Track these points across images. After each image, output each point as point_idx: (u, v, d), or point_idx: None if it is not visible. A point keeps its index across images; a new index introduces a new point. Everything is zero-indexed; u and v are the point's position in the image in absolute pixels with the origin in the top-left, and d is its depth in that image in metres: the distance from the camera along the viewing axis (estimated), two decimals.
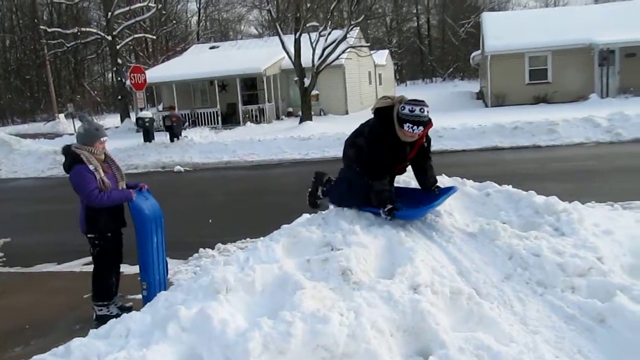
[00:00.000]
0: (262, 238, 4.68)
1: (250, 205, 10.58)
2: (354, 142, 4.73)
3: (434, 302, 3.46)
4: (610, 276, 3.86)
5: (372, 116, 4.61)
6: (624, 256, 4.19)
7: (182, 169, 16.38)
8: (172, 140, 19.49)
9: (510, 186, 5.21)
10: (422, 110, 4.25)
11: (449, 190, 4.67)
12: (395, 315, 3.35)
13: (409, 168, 4.84)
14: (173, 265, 6.51)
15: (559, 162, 12.08)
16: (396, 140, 4.39)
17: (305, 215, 5.35)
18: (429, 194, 4.68)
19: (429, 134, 4.69)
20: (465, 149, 14.99)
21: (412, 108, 4.25)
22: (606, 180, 9.48)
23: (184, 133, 20.17)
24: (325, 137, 17.13)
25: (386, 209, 4.35)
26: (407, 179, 5.26)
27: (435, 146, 15.40)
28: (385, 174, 4.52)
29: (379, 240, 4.21)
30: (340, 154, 15.92)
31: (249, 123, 26.05)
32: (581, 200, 5.50)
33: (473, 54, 35.40)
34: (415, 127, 4.24)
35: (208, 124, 27.09)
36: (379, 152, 4.43)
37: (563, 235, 4.38)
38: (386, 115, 4.40)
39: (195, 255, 7.06)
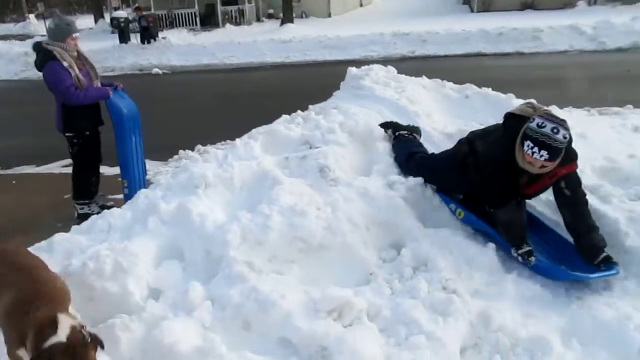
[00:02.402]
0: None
1: (230, 108, 10.47)
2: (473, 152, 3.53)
3: (408, 198, 3.55)
4: (581, 177, 3.96)
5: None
6: (595, 159, 4.28)
7: (160, 71, 16.01)
8: (144, 42, 18.92)
9: (490, 89, 5.22)
10: (555, 131, 2.98)
11: (609, 270, 3.11)
12: (371, 209, 3.45)
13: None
14: (153, 166, 6.53)
15: (542, 69, 12.02)
16: (513, 164, 3.19)
17: (285, 116, 5.33)
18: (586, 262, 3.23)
19: (575, 178, 3.33)
20: (448, 55, 14.82)
21: (543, 122, 3.02)
22: (586, 88, 9.50)
23: (160, 35, 19.59)
24: (306, 40, 16.76)
25: (521, 252, 3.19)
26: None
27: (417, 51, 15.45)
28: (508, 198, 3.29)
29: (357, 139, 4.24)
30: (321, 57, 15.53)
31: (228, 25, 25.25)
32: (560, 106, 5.53)
33: None
34: (536, 149, 3.00)
35: (186, 25, 26.18)
36: (489, 177, 3.32)
37: None
38: (515, 127, 3.19)
39: (175, 157, 7.06)
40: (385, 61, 9.30)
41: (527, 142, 3.04)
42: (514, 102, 4.92)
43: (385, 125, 4.35)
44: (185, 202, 3.43)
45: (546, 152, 3.00)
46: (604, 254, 3.13)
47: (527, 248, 3.20)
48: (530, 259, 3.15)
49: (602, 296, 3.05)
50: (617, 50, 13.79)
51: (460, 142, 3.67)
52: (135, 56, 17.83)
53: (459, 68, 12.56)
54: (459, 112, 4.90)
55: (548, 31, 15.01)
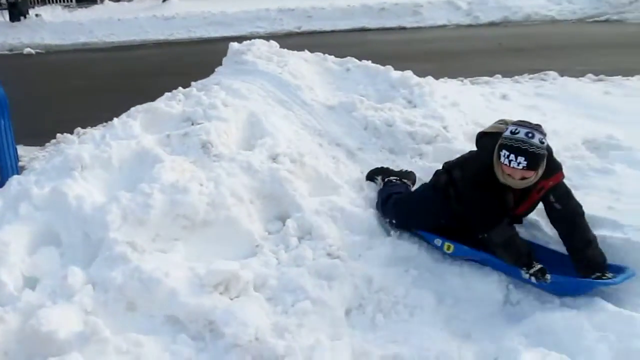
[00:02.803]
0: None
1: (111, 88, 9.99)
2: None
3: (292, 170, 3.62)
4: (453, 142, 4.23)
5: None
6: (466, 125, 4.57)
7: (32, 51, 14.90)
8: (13, 19, 17.55)
9: (370, 62, 5.38)
10: (529, 135, 2.80)
11: (628, 273, 2.89)
12: (255, 183, 3.49)
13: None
14: (28, 152, 6.15)
15: (422, 43, 12.49)
16: (495, 183, 2.96)
17: (167, 94, 5.20)
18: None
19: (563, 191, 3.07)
20: (334, 30, 15.00)
21: (516, 129, 2.85)
22: (462, 60, 10.03)
23: (32, 11, 18.23)
24: (190, 16, 16.24)
25: (533, 271, 2.88)
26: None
27: (304, 27, 15.52)
28: (498, 219, 3.02)
29: (240, 114, 4.23)
30: (206, 34, 15.09)
31: (106, 1, 23.92)
32: (436, 77, 5.81)
33: None
34: (513, 156, 2.78)
35: (59, 1, 24.53)
36: (473, 201, 3.07)
37: (415, 107, 4.67)
38: (490, 145, 3.02)
39: (53, 141, 6.66)
40: (271, 37, 9.25)
41: (503, 152, 2.83)
42: (392, 74, 5.12)
43: (374, 172, 3.86)
44: (60, 186, 3.28)
45: (523, 159, 2.77)
46: (597, 274, 2.87)
47: (539, 266, 2.89)
48: (545, 277, 2.86)
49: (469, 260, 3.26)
50: (490, 24, 14.61)
51: (437, 173, 3.42)
52: (3, 35, 16.45)
53: (344, 43, 12.75)
54: (341, 84, 5.03)
55: (427, 6, 15.57)
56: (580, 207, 3.04)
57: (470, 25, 14.65)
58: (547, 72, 6.72)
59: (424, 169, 3.99)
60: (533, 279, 2.90)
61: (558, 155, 4.00)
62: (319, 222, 3.28)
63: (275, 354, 2.50)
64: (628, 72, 6.64)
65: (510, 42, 11.41)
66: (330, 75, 5.10)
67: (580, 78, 6.53)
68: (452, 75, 7.22)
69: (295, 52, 5.51)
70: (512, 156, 2.78)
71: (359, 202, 3.58)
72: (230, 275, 2.80)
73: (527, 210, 3.13)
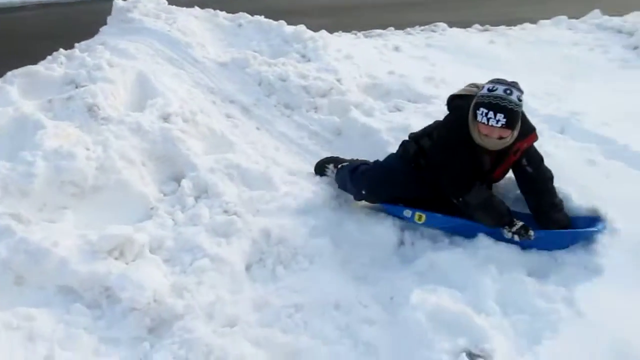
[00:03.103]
0: None
1: None
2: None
3: (185, 129, 3.54)
4: (347, 95, 4.30)
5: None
6: (360, 77, 4.66)
7: None
8: None
9: (263, 16, 5.30)
10: (508, 92, 2.67)
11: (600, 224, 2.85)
12: (146, 144, 3.39)
13: None
14: None
15: None
16: (471, 145, 2.84)
17: (48, 57, 4.90)
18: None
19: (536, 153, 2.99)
20: None
21: (494, 86, 2.71)
22: (356, 14, 10.11)
23: None
24: None
25: (515, 229, 2.79)
26: None
27: None
28: (471, 181, 2.87)
29: (128, 74, 4.07)
30: None
31: None
32: (330, 31, 5.83)
33: None
34: (492, 114, 2.64)
35: None
36: (446, 166, 2.91)
37: (308, 61, 4.69)
38: (463, 109, 2.86)
39: None
40: None
41: (481, 110, 2.68)
42: (285, 29, 5.10)
43: (324, 162, 3.55)
44: None
45: (502, 116, 2.63)
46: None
47: (520, 223, 2.80)
48: (529, 233, 2.78)
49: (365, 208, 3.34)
50: None
51: (403, 143, 3.22)
52: None
53: None
54: (233, 40, 4.96)
55: None
56: (550, 171, 2.99)
57: None
58: (437, 23, 6.91)
59: (319, 122, 4.05)
60: (516, 237, 2.80)
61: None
62: (215, 180, 3.24)
63: (174, 314, 2.49)
64: (511, 22, 6.98)
65: None
66: (221, 32, 5.00)
67: (468, 29, 6.79)
68: (347, 29, 7.27)
69: (184, 8, 5.33)
70: (490, 114, 2.65)
71: (255, 157, 3.58)
72: (124, 240, 2.73)
73: (502, 173, 3.03)
